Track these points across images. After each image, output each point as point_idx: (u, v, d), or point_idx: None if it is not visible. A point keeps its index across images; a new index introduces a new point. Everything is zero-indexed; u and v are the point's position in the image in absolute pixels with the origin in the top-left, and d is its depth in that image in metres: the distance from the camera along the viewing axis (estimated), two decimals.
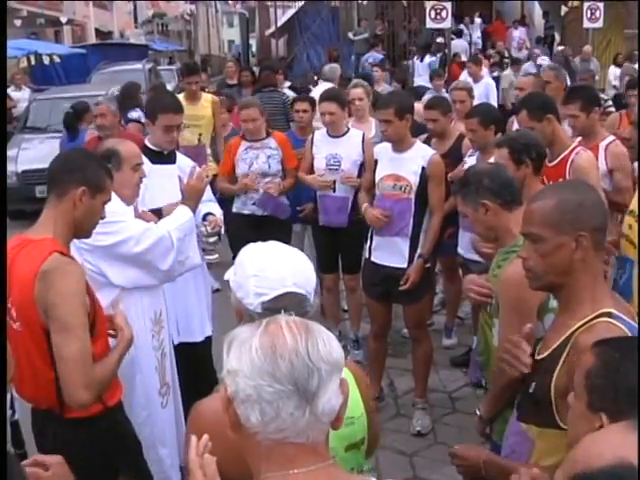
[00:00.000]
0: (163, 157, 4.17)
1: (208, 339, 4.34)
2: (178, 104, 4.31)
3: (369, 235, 4.68)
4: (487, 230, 2.91)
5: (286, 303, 1.75)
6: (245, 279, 1.81)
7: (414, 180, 4.42)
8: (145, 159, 3.71)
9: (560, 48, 16.20)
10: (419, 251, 4.46)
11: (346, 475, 1.47)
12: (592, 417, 1.56)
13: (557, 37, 20.54)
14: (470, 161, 4.92)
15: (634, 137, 3.65)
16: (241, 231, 5.37)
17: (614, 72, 14.50)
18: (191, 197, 3.74)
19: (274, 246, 1.92)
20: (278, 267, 1.81)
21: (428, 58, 15.76)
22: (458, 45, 17.51)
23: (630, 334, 1.95)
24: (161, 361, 3.67)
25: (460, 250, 5.02)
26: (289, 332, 1.37)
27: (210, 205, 4.21)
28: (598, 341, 1.70)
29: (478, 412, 2.74)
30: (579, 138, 4.53)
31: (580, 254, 2.02)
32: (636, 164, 3.92)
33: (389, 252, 4.54)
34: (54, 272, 2.46)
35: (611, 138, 4.53)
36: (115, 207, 3.24)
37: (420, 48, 16.55)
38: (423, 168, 4.41)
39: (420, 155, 4.46)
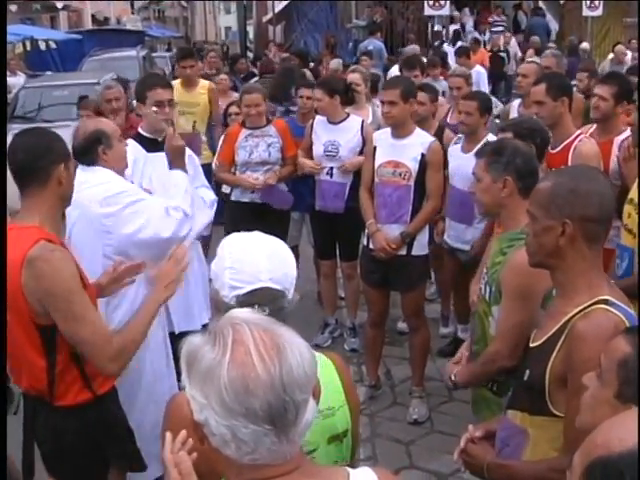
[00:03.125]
0: (158, 144, 4.12)
1: (205, 327, 4.34)
2: (165, 80, 4.34)
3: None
4: (493, 205, 2.86)
5: (261, 298, 1.70)
6: (222, 271, 1.75)
7: (413, 167, 4.40)
8: (140, 147, 3.67)
9: (572, 37, 15.97)
10: (403, 229, 4.47)
11: (320, 469, 1.43)
12: (619, 406, 1.54)
13: (555, 25, 20.43)
14: (455, 148, 4.88)
15: (637, 123, 3.61)
16: (240, 220, 5.34)
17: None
18: (174, 158, 3.65)
19: (255, 238, 1.85)
20: (255, 260, 1.74)
21: (460, 42, 15.88)
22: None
23: (626, 321, 1.96)
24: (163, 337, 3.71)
25: (447, 239, 5.00)
26: (260, 361, 1.23)
27: (203, 190, 4.18)
28: (632, 328, 1.68)
29: (453, 377, 2.83)
30: (593, 127, 4.46)
31: (564, 241, 2.02)
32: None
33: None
34: (40, 259, 2.43)
35: (628, 133, 4.34)
36: (123, 185, 3.29)
37: (453, 33, 16.77)
38: (423, 155, 4.40)
39: (420, 142, 4.45)
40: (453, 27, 18.08)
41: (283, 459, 1.28)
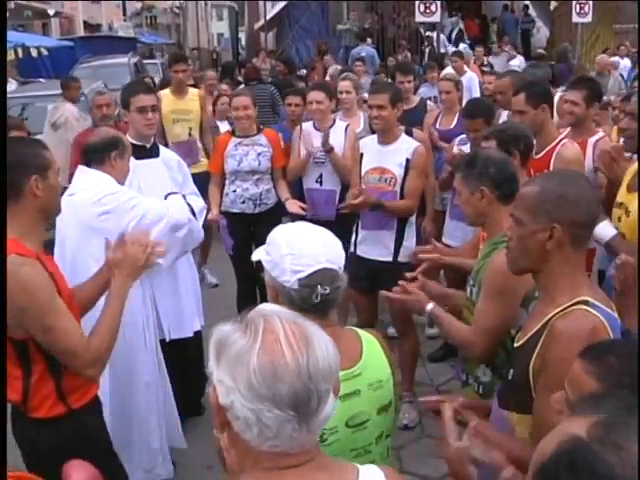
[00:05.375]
0: (146, 151, 4.15)
1: (197, 333, 4.34)
2: (147, 86, 4.44)
3: (354, 229, 4.67)
4: (476, 215, 2.92)
5: (321, 279, 1.83)
6: (280, 258, 1.86)
7: (399, 172, 4.43)
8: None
9: (566, 44, 16.08)
10: (390, 235, 4.47)
11: (332, 462, 1.47)
12: None
13: (545, 31, 20.54)
14: (464, 149, 4.88)
15: (632, 128, 3.64)
16: (231, 228, 5.35)
17: None
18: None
19: (304, 226, 2.00)
20: (312, 245, 1.88)
21: (462, 45, 16.09)
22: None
23: (606, 322, 1.99)
24: (149, 341, 3.74)
25: (449, 240, 5.01)
26: (289, 349, 1.30)
27: (191, 198, 4.21)
28: (591, 356, 1.60)
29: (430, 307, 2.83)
30: (567, 130, 4.53)
31: (552, 245, 2.04)
32: (635, 156, 3.88)
33: (374, 245, 4.54)
34: (8, 275, 2.38)
35: (601, 134, 4.54)
36: (117, 187, 3.40)
37: (456, 33, 17.44)
38: (407, 160, 4.42)
39: (405, 147, 4.47)
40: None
41: (301, 448, 1.33)
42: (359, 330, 2.04)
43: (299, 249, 1.86)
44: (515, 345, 2.20)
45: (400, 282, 2.91)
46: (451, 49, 16.04)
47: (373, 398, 1.95)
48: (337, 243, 1.94)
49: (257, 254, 1.96)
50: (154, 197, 3.80)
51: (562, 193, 2.04)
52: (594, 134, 4.49)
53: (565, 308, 2.03)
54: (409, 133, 5.13)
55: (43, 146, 2.64)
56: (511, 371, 2.19)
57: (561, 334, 1.96)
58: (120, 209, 3.33)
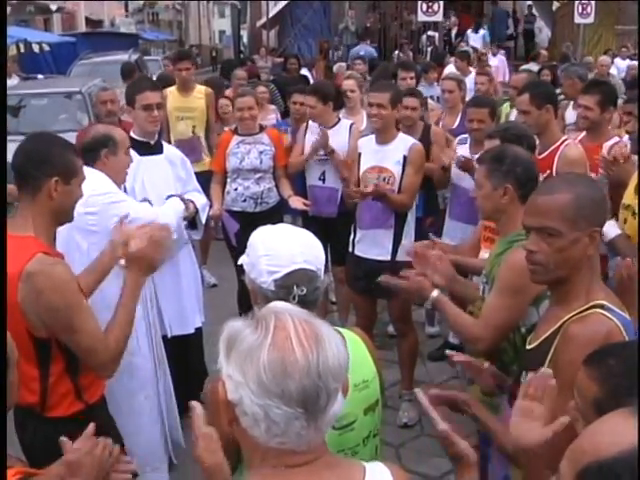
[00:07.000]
0: (150, 148, 4.16)
1: (198, 330, 4.35)
2: (153, 84, 4.39)
3: (352, 228, 4.67)
4: (495, 211, 2.89)
5: (297, 279, 1.80)
6: (257, 259, 1.85)
7: (397, 170, 4.42)
8: (132, 151, 3.70)
9: (567, 44, 16.05)
10: (388, 234, 4.45)
11: (339, 460, 1.48)
12: None
13: (547, 32, 20.52)
14: (462, 149, 4.89)
15: (636, 129, 3.65)
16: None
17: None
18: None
19: (283, 227, 1.98)
20: (288, 245, 1.85)
21: (482, 30, 16.08)
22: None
23: (621, 326, 1.98)
24: (154, 338, 3.71)
25: (449, 241, 5.00)
26: (299, 346, 1.30)
27: (194, 194, 4.21)
28: (592, 360, 1.59)
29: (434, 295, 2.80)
30: (582, 134, 4.51)
31: (592, 249, 2.04)
32: (636, 157, 3.87)
33: (372, 244, 4.52)
34: (40, 275, 2.37)
35: (616, 138, 4.46)
36: (109, 188, 3.31)
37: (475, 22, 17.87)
38: (405, 157, 4.42)
39: (402, 146, 4.46)
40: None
41: (308, 446, 1.34)
42: (342, 330, 2.01)
43: (275, 250, 1.84)
44: (527, 347, 2.19)
45: (402, 272, 2.87)
46: (478, 38, 16.12)
47: (359, 399, 1.93)
48: (317, 245, 1.91)
49: (243, 258, 1.95)
50: (153, 197, 3.78)
51: (593, 196, 2.05)
52: (610, 138, 4.41)
53: (580, 312, 2.01)
54: (427, 129, 5.19)
55: (75, 152, 2.62)
56: (524, 373, 2.15)
57: (576, 337, 1.95)
58: (104, 211, 3.27)
